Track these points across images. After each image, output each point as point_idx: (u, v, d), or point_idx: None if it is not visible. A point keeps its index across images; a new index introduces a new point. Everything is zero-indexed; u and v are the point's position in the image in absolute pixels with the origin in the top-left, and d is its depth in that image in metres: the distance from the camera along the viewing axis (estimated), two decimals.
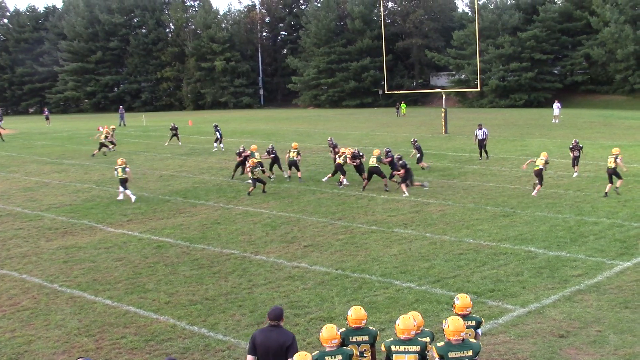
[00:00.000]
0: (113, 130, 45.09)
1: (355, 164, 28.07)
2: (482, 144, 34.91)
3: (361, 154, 28.83)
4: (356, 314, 8.72)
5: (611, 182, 24.80)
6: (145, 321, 13.14)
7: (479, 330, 9.56)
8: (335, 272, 16.17)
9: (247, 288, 15.09)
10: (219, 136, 42.61)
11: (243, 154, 29.94)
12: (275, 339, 8.71)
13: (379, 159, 27.13)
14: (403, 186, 26.04)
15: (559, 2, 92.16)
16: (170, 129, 46.95)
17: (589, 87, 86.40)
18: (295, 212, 23.20)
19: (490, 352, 11.44)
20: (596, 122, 53.14)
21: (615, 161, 24.60)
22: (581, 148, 29.72)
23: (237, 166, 30.84)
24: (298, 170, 29.77)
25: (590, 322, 12.73)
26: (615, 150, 25.15)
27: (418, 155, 32.09)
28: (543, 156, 25.43)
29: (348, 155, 28.07)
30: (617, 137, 41.82)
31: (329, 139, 34.93)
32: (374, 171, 27.06)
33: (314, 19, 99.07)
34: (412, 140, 34.12)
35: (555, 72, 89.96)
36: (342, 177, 28.39)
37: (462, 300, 9.33)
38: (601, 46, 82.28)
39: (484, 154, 34.96)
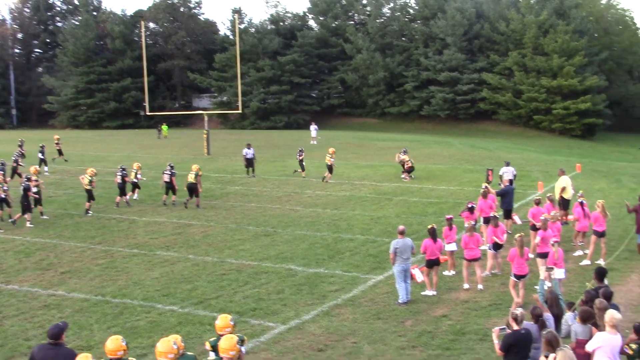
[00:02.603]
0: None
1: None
2: (250, 163, 36.16)
3: (125, 172, 28.21)
4: (112, 344, 8.50)
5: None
6: None
7: (243, 348, 9.71)
8: (95, 298, 15.69)
9: None
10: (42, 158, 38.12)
11: None
12: (53, 357, 8.48)
13: (196, 175, 27.16)
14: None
15: (315, 29, 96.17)
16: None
17: (345, 110, 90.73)
18: (51, 238, 22.19)
19: None
20: (351, 144, 55.77)
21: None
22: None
23: None
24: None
25: (346, 335, 13.34)
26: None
27: None
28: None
29: (87, 177, 26.18)
30: (369, 158, 44.12)
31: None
32: (192, 187, 27.16)
33: (71, 37, 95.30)
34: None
35: (313, 95, 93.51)
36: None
37: (222, 320, 9.47)
38: (355, 72, 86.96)
39: (251, 172, 36.06)
